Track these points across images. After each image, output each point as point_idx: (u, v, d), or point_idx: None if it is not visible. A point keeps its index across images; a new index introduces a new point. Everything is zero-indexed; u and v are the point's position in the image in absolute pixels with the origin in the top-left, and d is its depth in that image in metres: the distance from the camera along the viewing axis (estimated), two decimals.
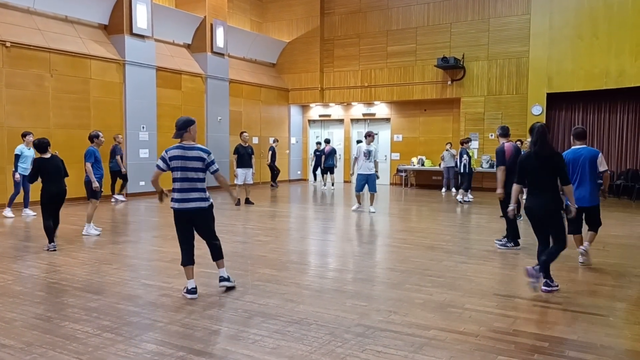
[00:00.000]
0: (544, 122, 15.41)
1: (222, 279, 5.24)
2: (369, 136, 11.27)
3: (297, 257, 7.02)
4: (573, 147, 6.36)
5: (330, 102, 19.71)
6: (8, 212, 10.27)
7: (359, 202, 11.56)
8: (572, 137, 6.43)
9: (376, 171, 11.39)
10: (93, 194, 8.32)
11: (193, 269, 5.06)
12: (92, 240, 7.98)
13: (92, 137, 8.45)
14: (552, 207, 5.17)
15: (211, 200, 5.12)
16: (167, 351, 3.73)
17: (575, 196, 5.88)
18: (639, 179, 13.72)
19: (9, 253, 7.01)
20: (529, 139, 5.56)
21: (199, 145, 5.01)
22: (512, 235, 7.44)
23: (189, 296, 4.96)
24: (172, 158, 4.92)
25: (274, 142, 17.46)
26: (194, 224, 5.09)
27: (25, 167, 10.16)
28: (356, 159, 11.34)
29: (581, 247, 6.41)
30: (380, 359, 3.59)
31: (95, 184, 8.29)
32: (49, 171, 7.29)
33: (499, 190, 7.40)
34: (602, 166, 6.23)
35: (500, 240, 7.59)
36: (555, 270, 6.17)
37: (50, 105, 12.20)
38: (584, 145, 6.34)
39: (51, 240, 7.19)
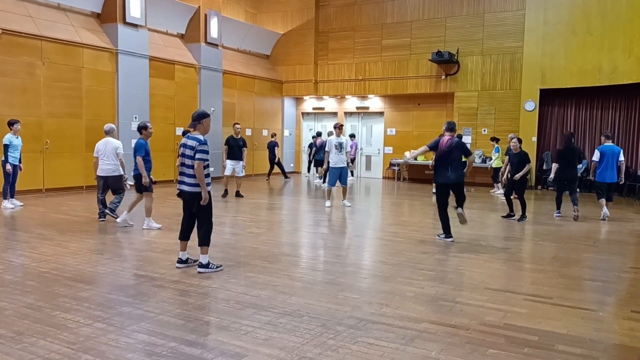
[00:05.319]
0: (537, 117, 15.54)
1: (199, 264, 5.65)
2: (337, 128, 10.92)
3: (289, 249, 7.03)
4: (605, 144, 9.91)
5: (324, 95, 19.67)
6: (7, 203, 9.90)
7: (329, 198, 11.17)
8: (603, 137, 10.13)
9: (348, 163, 11.09)
10: (144, 187, 8.03)
11: (186, 244, 5.79)
12: (83, 230, 7.94)
13: (140, 129, 8.67)
14: (576, 175, 9.90)
15: (209, 188, 5.57)
16: (158, 341, 3.72)
17: (608, 176, 9.80)
18: (631, 176, 13.82)
19: (0, 242, 6.98)
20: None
21: (198, 137, 5.54)
22: (445, 229, 7.61)
23: (177, 264, 5.78)
24: (180, 146, 5.72)
25: (273, 136, 17.62)
26: (190, 206, 5.62)
27: (15, 156, 9.87)
28: (328, 152, 10.95)
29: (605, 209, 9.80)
30: (371, 351, 3.61)
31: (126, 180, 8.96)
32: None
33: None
34: (621, 157, 9.81)
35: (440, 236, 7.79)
36: (550, 266, 6.24)
37: (42, 93, 12.06)
38: (612, 144, 9.97)
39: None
